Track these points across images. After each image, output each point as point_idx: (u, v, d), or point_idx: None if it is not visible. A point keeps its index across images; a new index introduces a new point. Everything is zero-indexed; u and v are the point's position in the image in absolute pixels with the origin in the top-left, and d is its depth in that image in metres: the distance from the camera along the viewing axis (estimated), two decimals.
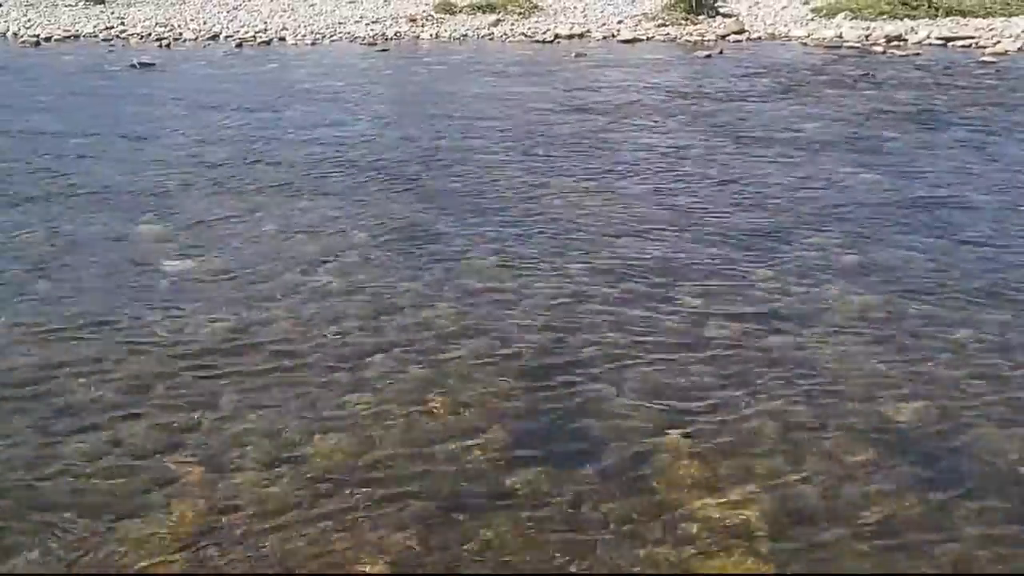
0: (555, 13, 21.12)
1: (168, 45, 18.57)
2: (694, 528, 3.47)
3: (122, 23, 20.86)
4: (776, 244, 6.46)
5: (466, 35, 19.56)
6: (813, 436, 4.07)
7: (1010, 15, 17.99)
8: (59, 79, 14.69)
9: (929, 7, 18.57)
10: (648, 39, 18.47)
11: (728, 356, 4.82)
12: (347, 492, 3.71)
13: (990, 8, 18.35)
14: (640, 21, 19.81)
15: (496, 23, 20.27)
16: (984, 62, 14.71)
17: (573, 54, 16.61)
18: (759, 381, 4.55)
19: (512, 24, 20.16)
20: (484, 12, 21.23)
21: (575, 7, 21.60)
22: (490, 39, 19.28)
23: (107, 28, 20.37)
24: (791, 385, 4.51)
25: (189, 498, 3.68)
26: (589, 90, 13.04)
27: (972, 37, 16.68)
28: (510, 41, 18.90)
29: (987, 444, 4.00)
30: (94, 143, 10.01)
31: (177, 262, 6.28)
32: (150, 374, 4.69)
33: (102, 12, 22.08)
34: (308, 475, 3.83)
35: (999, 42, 16.15)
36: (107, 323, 5.30)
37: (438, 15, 21.41)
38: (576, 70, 14.97)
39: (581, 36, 18.98)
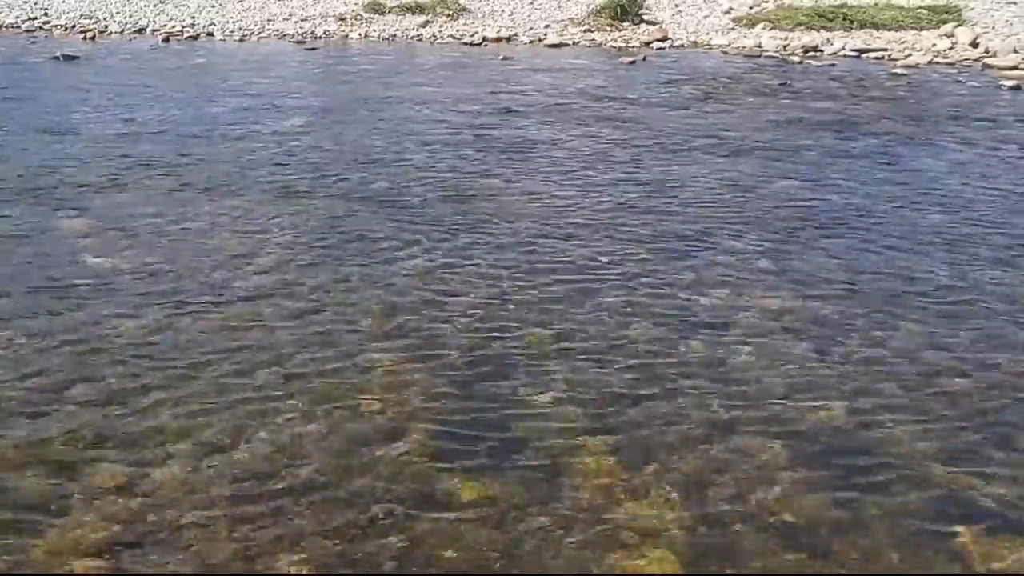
0: (483, 16, 21.25)
1: (93, 38, 18.28)
2: (614, 528, 3.58)
3: (46, 15, 20.45)
4: (696, 248, 6.67)
5: (395, 35, 19.60)
6: (730, 437, 4.22)
7: (921, 29, 18.60)
8: None
9: (844, 20, 19.10)
10: (574, 44, 18.70)
11: (649, 358, 4.97)
12: (272, 493, 3.75)
13: (902, 22, 18.96)
14: (566, 26, 20.04)
15: (425, 24, 20.34)
16: (896, 74, 15.22)
17: (500, 57, 16.74)
18: (679, 383, 4.70)
19: (441, 26, 20.24)
20: (413, 13, 21.27)
21: (503, 10, 21.75)
22: (419, 40, 19.34)
23: (30, 19, 19.96)
24: (710, 387, 4.66)
25: (111, 499, 3.69)
26: (516, 93, 13.20)
27: (885, 49, 17.23)
28: (438, 43, 18.98)
29: (898, 444, 4.18)
30: (13, 136, 9.85)
31: (99, 259, 6.25)
32: (71, 373, 4.68)
33: (25, 3, 21.60)
34: (233, 476, 3.86)
35: (910, 55, 16.72)
36: (26, 320, 5.27)
37: (367, 15, 21.38)
38: (503, 73, 15.11)
39: (508, 40, 19.13)
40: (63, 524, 3.54)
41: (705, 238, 6.90)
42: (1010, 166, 9.18)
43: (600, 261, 6.40)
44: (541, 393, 4.59)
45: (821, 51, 17.43)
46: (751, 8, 21.08)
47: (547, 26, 20.11)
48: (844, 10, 19.53)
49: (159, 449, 4.04)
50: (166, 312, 5.43)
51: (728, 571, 3.38)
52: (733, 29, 19.58)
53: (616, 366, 4.88)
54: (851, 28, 18.87)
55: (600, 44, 18.63)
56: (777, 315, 5.54)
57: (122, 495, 3.72)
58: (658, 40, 18.56)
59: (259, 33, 19.31)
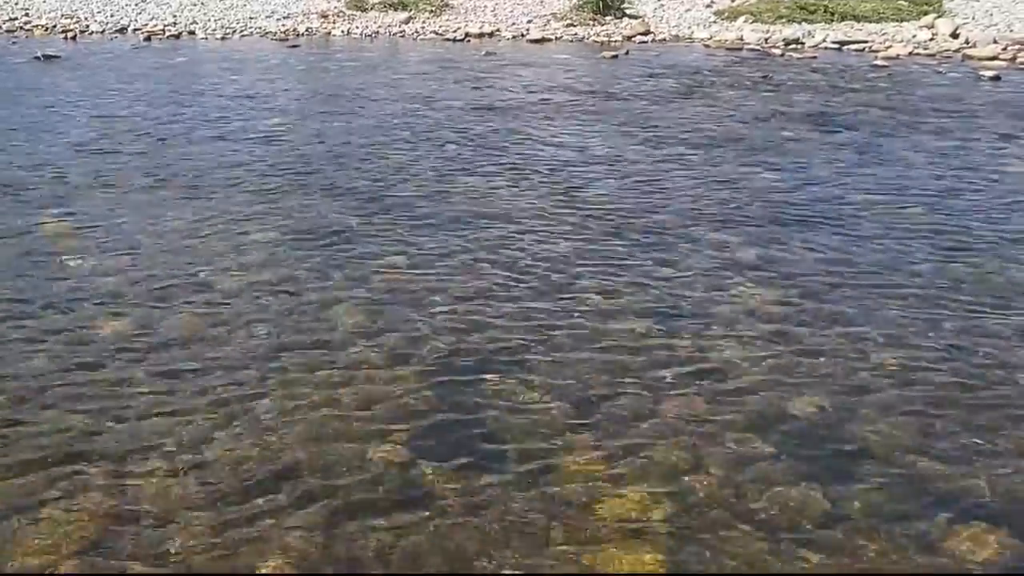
0: (466, 12, 21.25)
1: (74, 37, 18.21)
2: (596, 525, 3.59)
3: (26, 14, 20.35)
4: (678, 241, 6.70)
5: (378, 32, 19.58)
6: (713, 431, 4.23)
7: (901, 21, 18.71)
8: None
9: (825, 12, 19.20)
10: (557, 39, 18.73)
11: (631, 353, 4.99)
12: (252, 492, 3.75)
13: (883, 14, 19.06)
14: (549, 21, 20.07)
15: (407, 20, 20.32)
16: (876, 66, 15.29)
17: (483, 53, 16.75)
18: (661, 377, 4.72)
19: (423, 22, 20.24)
20: (396, 9, 21.24)
21: (485, 6, 21.75)
22: (401, 36, 19.34)
23: (10, 19, 19.85)
24: (692, 381, 4.68)
25: (90, 500, 3.68)
26: (498, 89, 13.21)
27: (865, 41, 17.33)
28: (421, 39, 18.98)
29: (880, 436, 4.20)
30: None
31: (79, 259, 6.23)
32: (50, 374, 4.67)
33: (5, 3, 21.47)
34: (212, 476, 3.86)
35: (891, 47, 16.81)
36: (5, 322, 5.26)
37: (350, 11, 21.35)
38: (486, 69, 15.11)
39: (491, 35, 19.15)
40: (41, 525, 3.54)
41: (687, 231, 6.92)
42: (989, 156, 9.25)
43: (582, 255, 6.42)
44: (522, 389, 4.60)
45: (802, 43, 17.50)
46: (733, 1, 21.15)
47: (529, 21, 20.13)
48: (825, 2, 19.61)
49: (141, 449, 4.03)
50: (145, 312, 5.42)
51: (712, 567, 3.39)
52: (715, 23, 19.64)
53: (598, 361, 4.89)
54: (832, 20, 18.96)
55: (583, 39, 18.66)
56: (760, 307, 5.58)
57: (104, 495, 3.72)
58: (640, 34, 18.60)
59: (241, 31, 19.27)
